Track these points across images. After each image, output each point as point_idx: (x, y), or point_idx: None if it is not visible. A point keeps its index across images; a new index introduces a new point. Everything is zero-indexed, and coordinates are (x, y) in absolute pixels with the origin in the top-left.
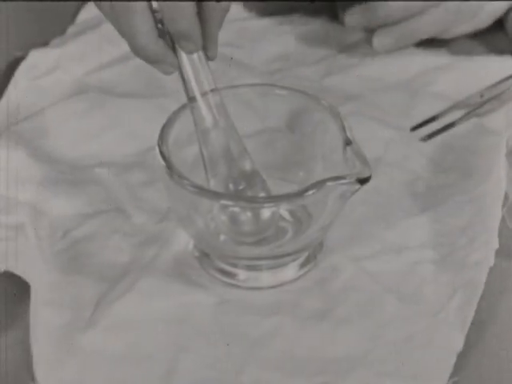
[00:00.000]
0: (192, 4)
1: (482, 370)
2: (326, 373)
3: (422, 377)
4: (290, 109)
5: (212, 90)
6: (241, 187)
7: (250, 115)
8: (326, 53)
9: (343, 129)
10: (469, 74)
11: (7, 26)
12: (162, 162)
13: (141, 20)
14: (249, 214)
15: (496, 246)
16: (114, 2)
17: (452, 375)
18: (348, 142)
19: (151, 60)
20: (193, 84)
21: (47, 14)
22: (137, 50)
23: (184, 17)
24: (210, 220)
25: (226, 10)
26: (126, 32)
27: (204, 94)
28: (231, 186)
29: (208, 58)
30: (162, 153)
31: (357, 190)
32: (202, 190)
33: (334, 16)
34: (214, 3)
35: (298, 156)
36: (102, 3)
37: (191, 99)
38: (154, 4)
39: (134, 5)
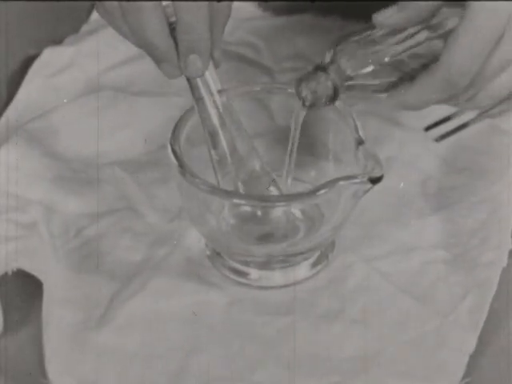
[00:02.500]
0: (207, 14)
1: (494, 371)
2: (339, 372)
3: (435, 377)
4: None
5: (218, 91)
6: (250, 186)
7: (262, 114)
8: None
9: (355, 128)
10: None
11: (21, 25)
12: (175, 161)
13: (152, 15)
14: (260, 211)
15: (509, 246)
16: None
17: (464, 376)
18: (360, 142)
19: (159, 58)
20: (199, 85)
21: (61, 12)
22: (146, 46)
23: (200, 23)
24: (222, 219)
25: (229, 15)
26: (135, 28)
27: (210, 95)
28: (240, 186)
29: (214, 65)
30: (174, 151)
31: (369, 190)
32: (214, 189)
33: (347, 15)
34: (220, 8)
35: (310, 155)
36: (107, 3)
37: (198, 100)
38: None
39: (146, 2)
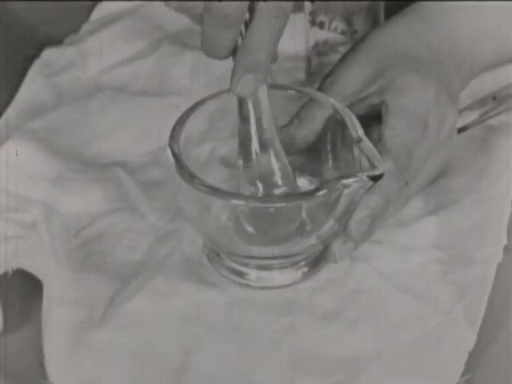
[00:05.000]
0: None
1: (494, 368)
2: (339, 372)
3: (434, 375)
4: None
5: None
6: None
7: None
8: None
9: (354, 127)
10: (482, 76)
11: (21, 25)
12: (173, 161)
13: (232, 36)
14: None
15: (504, 241)
16: (211, 10)
17: (464, 373)
18: (359, 140)
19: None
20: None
21: (61, 12)
22: (209, 53)
23: (270, 44)
24: (221, 219)
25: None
26: (210, 37)
27: (258, 114)
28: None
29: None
30: (173, 152)
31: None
32: (213, 190)
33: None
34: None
35: (310, 154)
36: (191, 3)
37: (242, 117)
38: None
39: (235, 22)
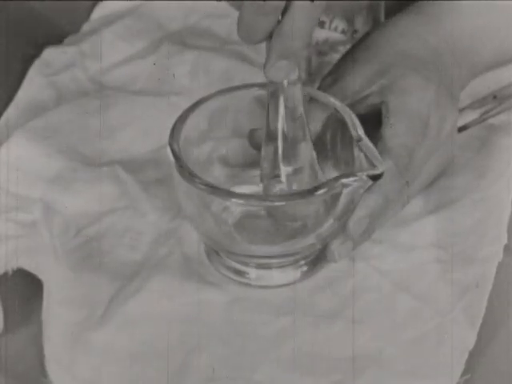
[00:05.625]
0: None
1: (494, 368)
2: (339, 371)
3: (434, 375)
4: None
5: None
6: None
7: (262, 114)
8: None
9: (354, 126)
10: (482, 76)
11: (21, 25)
12: (173, 160)
13: (271, 21)
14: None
15: (505, 241)
16: None
17: (464, 373)
18: (358, 139)
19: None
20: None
21: (61, 12)
22: (245, 38)
23: (308, 32)
24: (221, 219)
25: None
26: (248, 22)
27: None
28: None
29: None
30: (172, 151)
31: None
32: (213, 189)
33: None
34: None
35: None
36: None
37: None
38: None
39: (275, 7)
